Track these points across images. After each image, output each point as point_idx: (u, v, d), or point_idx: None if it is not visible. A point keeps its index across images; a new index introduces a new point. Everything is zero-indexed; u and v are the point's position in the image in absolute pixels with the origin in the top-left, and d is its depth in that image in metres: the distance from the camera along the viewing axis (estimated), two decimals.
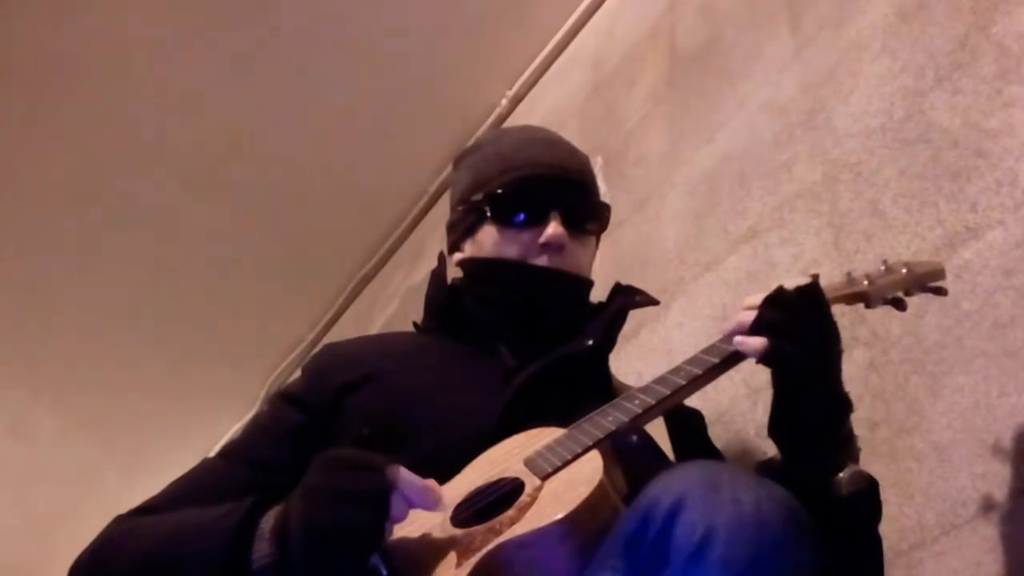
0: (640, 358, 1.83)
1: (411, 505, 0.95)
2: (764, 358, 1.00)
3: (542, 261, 1.26)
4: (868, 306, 1.10)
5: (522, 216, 1.28)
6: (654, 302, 1.32)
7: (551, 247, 1.26)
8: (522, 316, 1.25)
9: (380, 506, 0.92)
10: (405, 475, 0.95)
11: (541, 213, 1.27)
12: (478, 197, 1.31)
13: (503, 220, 1.28)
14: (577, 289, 1.30)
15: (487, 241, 1.29)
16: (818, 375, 1.02)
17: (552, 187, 1.29)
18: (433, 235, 3.11)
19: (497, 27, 2.83)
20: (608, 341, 1.25)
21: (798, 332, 1.00)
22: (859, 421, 1.08)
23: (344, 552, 0.91)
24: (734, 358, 1.01)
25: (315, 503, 0.92)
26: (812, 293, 1.02)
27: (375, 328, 3.17)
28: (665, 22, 2.36)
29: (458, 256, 1.34)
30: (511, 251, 1.27)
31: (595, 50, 2.68)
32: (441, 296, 1.33)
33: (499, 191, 1.29)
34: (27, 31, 2.56)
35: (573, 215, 1.29)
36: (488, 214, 1.29)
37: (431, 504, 0.96)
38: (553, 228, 1.26)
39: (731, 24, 2.10)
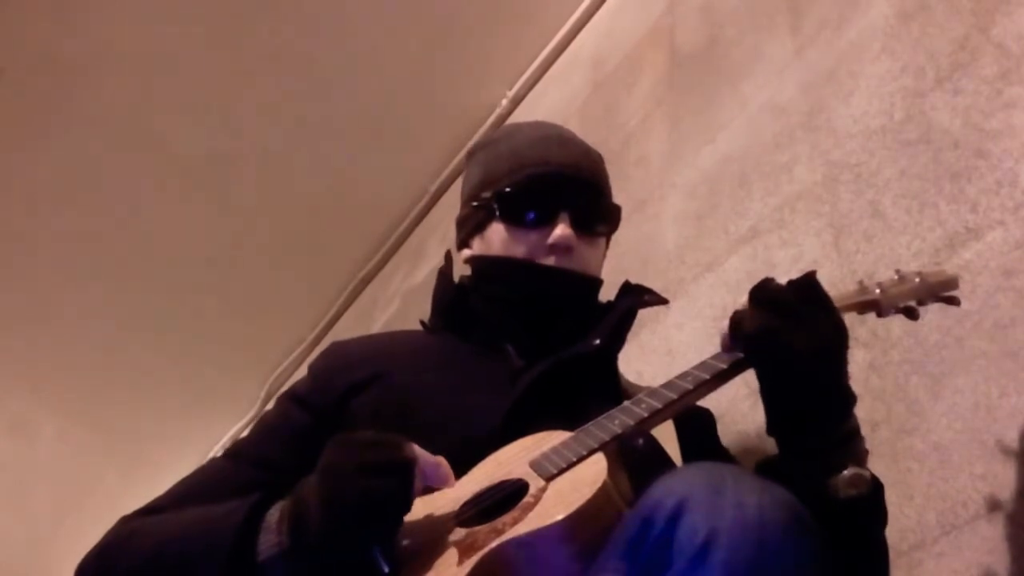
0: (640, 358, 1.83)
1: (425, 480, 0.96)
2: (734, 337, 1.00)
3: (550, 261, 1.24)
4: (880, 315, 1.09)
5: (531, 215, 1.26)
6: (663, 301, 1.31)
7: (559, 248, 1.24)
8: (529, 316, 1.24)
9: (406, 474, 0.92)
10: (419, 450, 0.96)
11: (550, 213, 1.25)
12: (488, 194, 1.29)
13: (512, 219, 1.27)
14: (585, 289, 1.28)
15: (495, 239, 1.28)
16: (798, 360, 0.99)
17: (562, 187, 1.27)
18: (433, 235, 3.11)
19: (497, 27, 2.84)
20: (617, 341, 1.25)
21: (768, 310, 0.99)
22: (859, 422, 1.08)
23: (371, 526, 0.90)
24: (742, 364, 1.01)
25: (337, 480, 0.91)
26: (801, 283, 1.02)
27: (375, 328, 3.17)
28: (665, 22, 2.37)
29: (467, 253, 1.33)
30: (519, 250, 1.25)
31: (595, 50, 2.68)
32: (448, 295, 1.31)
33: (508, 189, 1.27)
34: (28, 32, 2.56)
35: (583, 216, 1.27)
36: (497, 212, 1.28)
37: (444, 480, 0.97)
38: (561, 229, 1.24)
39: (731, 24, 2.11)
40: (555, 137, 1.34)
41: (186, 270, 3.29)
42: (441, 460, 0.98)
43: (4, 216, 2.98)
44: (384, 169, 3.14)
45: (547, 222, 1.25)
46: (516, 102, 2.96)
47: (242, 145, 2.96)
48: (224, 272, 3.33)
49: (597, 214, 1.31)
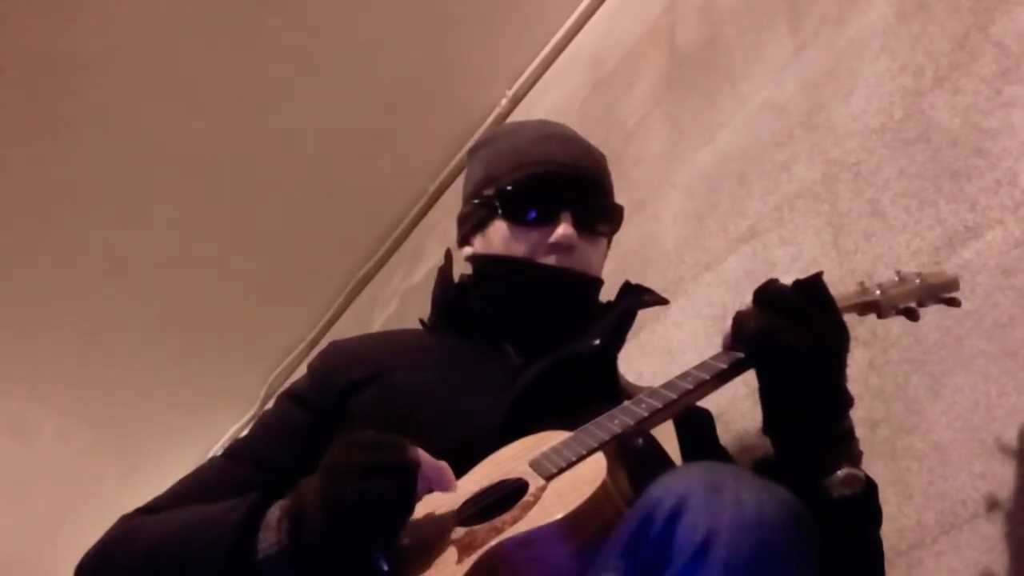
0: (640, 358, 1.83)
1: (428, 483, 0.95)
2: (736, 336, 1.00)
3: (551, 260, 1.24)
4: (880, 316, 1.09)
5: (533, 214, 1.25)
6: (663, 301, 1.31)
7: (560, 247, 1.24)
8: (529, 315, 1.24)
9: (408, 478, 0.92)
10: (423, 453, 0.95)
11: (552, 212, 1.25)
12: (489, 192, 1.28)
13: (513, 217, 1.26)
14: (585, 288, 1.28)
15: (496, 237, 1.27)
16: (798, 360, 0.99)
17: (565, 186, 1.27)
18: (433, 235, 3.11)
19: (497, 27, 2.84)
20: (616, 341, 1.24)
21: (770, 309, 0.99)
22: (859, 421, 1.08)
23: (371, 528, 0.90)
24: (743, 364, 1.01)
25: (339, 480, 0.91)
26: (806, 284, 1.02)
27: (374, 328, 3.17)
28: (665, 22, 2.37)
29: (467, 251, 1.33)
30: (520, 249, 1.25)
31: (595, 50, 2.68)
32: (448, 294, 1.31)
33: (510, 188, 1.27)
34: (28, 32, 2.56)
35: (585, 215, 1.27)
36: (499, 210, 1.27)
37: (446, 484, 0.97)
38: (563, 229, 1.24)
39: (731, 24, 2.11)
40: (557, 136, 1.34)
41: (186, 270, 3.29)
42: (444, 464, 0.97)
43: (4, 216, 2.97)
44: (383, 169, 3.14)
45: (549, 221, 1.25)
46: (516, 102, 2.96)
47: (242, 145, 2.95)
48: (223, 271, 3.33)
49: (599, 214, 1.31)
